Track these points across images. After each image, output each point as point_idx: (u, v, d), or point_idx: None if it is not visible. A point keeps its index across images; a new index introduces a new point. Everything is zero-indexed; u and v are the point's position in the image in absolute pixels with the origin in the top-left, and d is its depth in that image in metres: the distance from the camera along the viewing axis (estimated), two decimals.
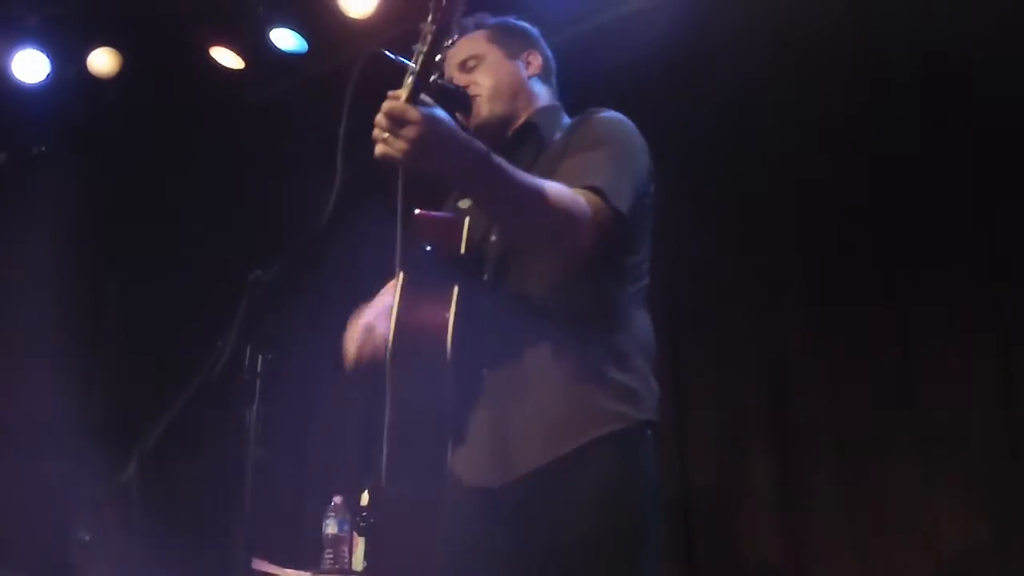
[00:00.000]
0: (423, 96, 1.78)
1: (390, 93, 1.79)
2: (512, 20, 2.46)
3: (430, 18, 1.73)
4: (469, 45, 2.36)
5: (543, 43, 2.48)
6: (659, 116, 3.83)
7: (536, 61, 2.40)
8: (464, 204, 2.29)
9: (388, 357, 1.95)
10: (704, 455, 3.70)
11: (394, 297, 2.01)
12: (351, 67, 2.02)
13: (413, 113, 1.74)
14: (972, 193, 3.31)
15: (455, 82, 2.32)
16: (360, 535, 3.61)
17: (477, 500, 2.08)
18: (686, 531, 3.62)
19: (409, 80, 1.78)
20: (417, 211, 2.14)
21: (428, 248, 2.05)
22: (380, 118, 1.76)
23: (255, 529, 1.95)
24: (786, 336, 3.64)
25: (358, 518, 3.67)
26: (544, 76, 2.41)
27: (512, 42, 2.40)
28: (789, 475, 3.51)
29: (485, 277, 2.12)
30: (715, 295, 3.79)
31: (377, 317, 2.19)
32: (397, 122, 1.74)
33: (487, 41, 2.38)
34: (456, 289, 2.00)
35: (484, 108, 2.30)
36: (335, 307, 2.67)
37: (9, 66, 4.59)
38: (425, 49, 1.75)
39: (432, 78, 2.21)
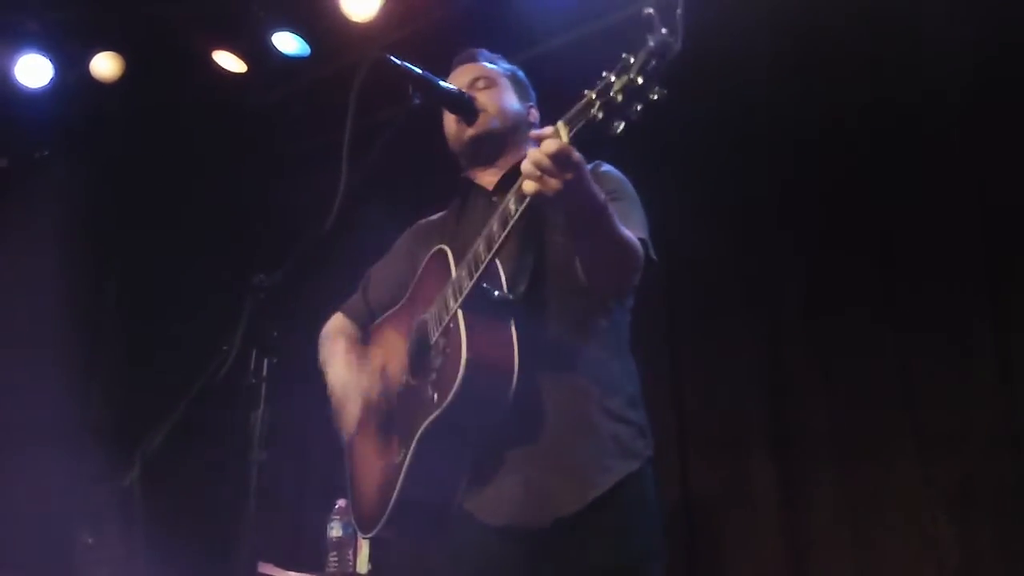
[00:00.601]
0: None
1: (544, 133, 1.80)
2: (521, 72, 2.56)
3: (635, 68, 1.66)
4: (483, 70, 2.44)
5: (538, 106, 2.58)
6: (663, 117, 3.87)
7: (535, 115, 2.50)
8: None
9: (456, 388, 2.00)
10: (704, 458, 3.70)
11: (458, 335, 2.05)
12: (354, 71, 2.03)
13: (577, 157, 1.80)
14: (977, 196, 3.31)
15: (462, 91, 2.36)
16: (364, 537, 3.61)
17: (509, 540, 2.12)
18: (688, 534, 3.62)
19: (568, 125, 1.78)
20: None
21: (485, 285, 2.08)
22: (542, 157, 1.78)
23: (259, 533, 1.95)
24: (786, 340, 3.63)
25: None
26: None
27: (521, 90, 2.50)
28: (790, 478, 3.51)
29: (523, 320, 2.16)
30: (715, 299, 3.80)
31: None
32: (562, 164, 1.78)
33: (502, 75, 2.47)
34: (514, 329, 2.07)
35: (491, 123, 2.35)
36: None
37: (12, 71, 4.61)
38: (618, 102, 1.69)
39: (439, 82, 2.25)
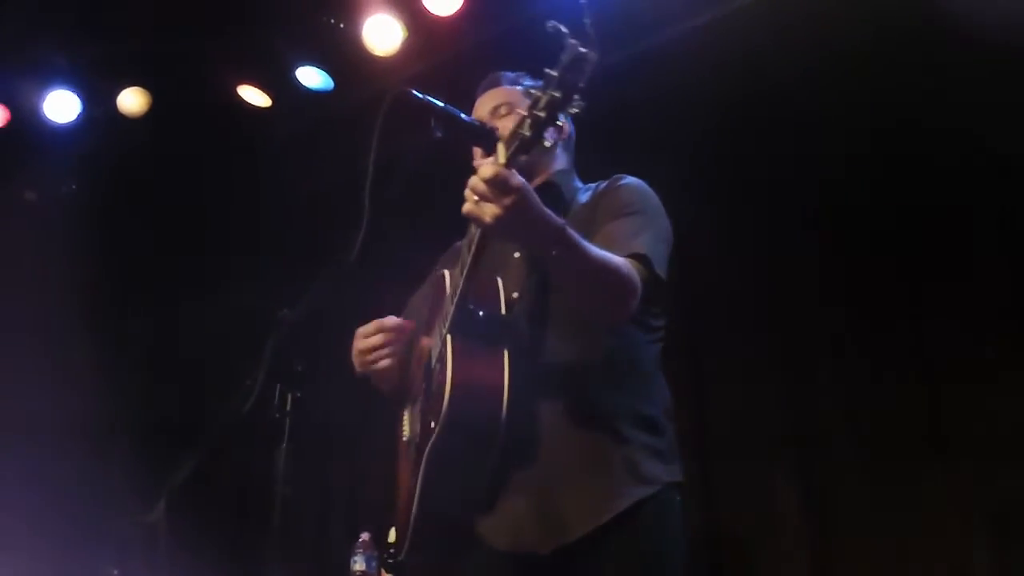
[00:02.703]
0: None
1: (486, 161, 1.77)
2: None
3: (554, 83, 1.67)
4: (504, 94, 2.40)
5: (570, 116, 2.52)
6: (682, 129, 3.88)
7: (565, 128, 2.43)
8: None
9: (441, 422, 1.97)
10: (729, 481, 3.67)
11: (445, 360, 2.01)
12: (377, 104, 2.04)
13: (516, 181, 1.74)
14: (1000, 200, 3.29)
15: (483, 122, 2.34)
16: (387, 571, 3.59)
17: (514, 566, 2.08)
18: (714, 556, 3.58)
19: (504, 147, 1.77)
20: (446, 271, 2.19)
21: (472, 307, 2.05)
22: (478, 182, 1.74)
23: (283, 566, 1.94)
24: (810, 360, 3.61)
25: (385, 555, 3.67)
26: (566, 144, 2.45)
27: None
28: (814, 499, 3.47)
29: (522, 341, 2.13)
30: (737, 321, 3.78)
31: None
32: (500, 189, 1.73)
33: (523, 96, 2.41)
34: (507, 353, 2.02)
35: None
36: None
37: (41, 106, 4.67)
38: (541, 116, 1.69)
39: (461, 115, 2.24)
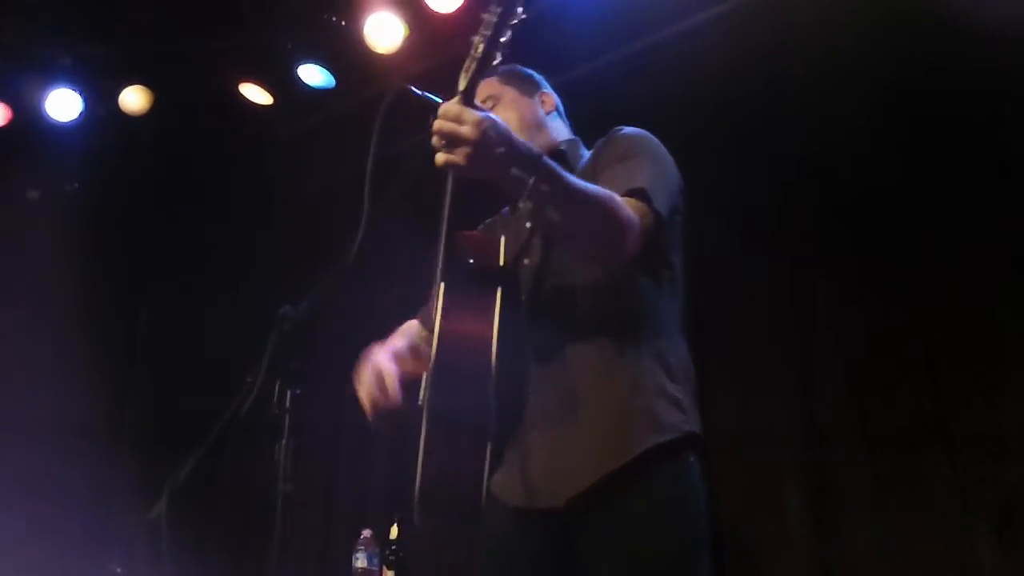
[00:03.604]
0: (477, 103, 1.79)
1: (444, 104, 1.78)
2: (519, 67, 2.50)
3: (492, 11, 1.75)
4: (489, 87, 2.39)
5: (551, 87, 2.53)
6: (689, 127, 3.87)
7: (549, 100, 2.46)
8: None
9: (430, 371, 1.93)
10: (733, 481, 3.66)
11: (435, 309, 1.98)
12: (378, 102, 2.04)
13: (470, 114, 1.73)
14: (1003, 201, 3.29)
15: None
16: (389, 568, 3.60)
17: (525, 520, 2.05)
18: (717, 555, 3.57)
19: (466, 76, 1.79)
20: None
21: (470, 261, 2.03)
22: (438, 123, 1.74)
23: (285, 563, 1.94)
24: (814, 359, 3.60)
25: (387, 551, 3.68)
26: (558, 114, 2.47)
27: (524, 83, 2.46)
28: (819, 498, 3.46)
29: (523, 295, 2.11)
30: (740, 319, 3.77)
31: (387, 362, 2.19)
32: (456, 121, 1.72)
33: (500, 83, 2.43)
34: (498, 301, 1.98)
35: None
36: (364, 340, 2.68)
37: (43, 105, 4.68)
38: (488, 34, 1.77)
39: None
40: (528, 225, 2.22)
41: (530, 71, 2.51)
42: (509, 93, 2.40)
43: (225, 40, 4.48)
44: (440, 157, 1.76)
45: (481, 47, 1.78)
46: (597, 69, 4.09)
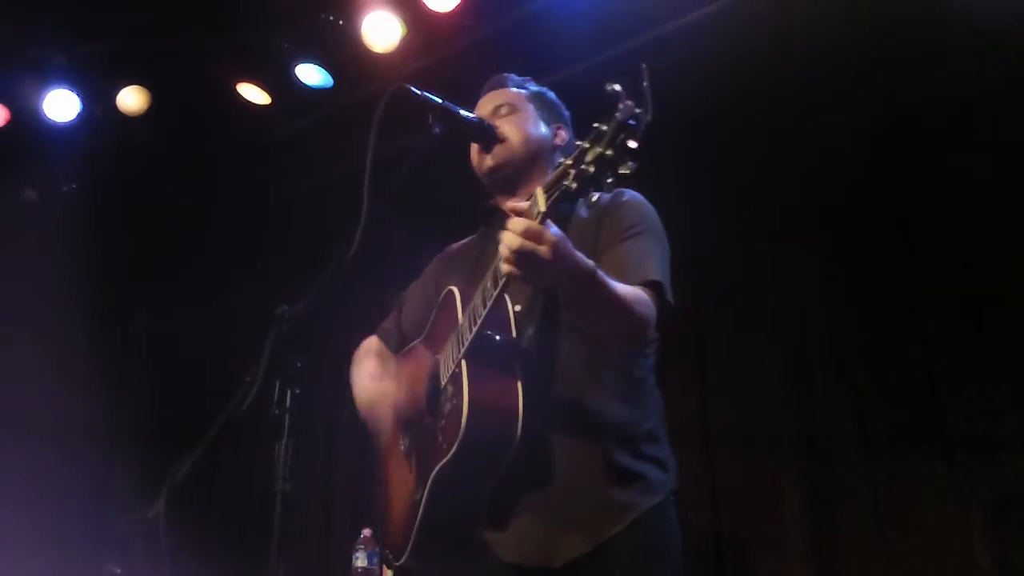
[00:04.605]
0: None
1: (519, 206, 1.81)
2: (550, 93, 2.54)
3: (605, 140, 1.65)
4: (508, 95, 2.43)
5: (570, 124, 2.55)
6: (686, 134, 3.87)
7: (563, 135, 2.48)
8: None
9: (457, 445, 2.01)
10: (732, 481, 3.66)
11: (461, 384, 2.04)
12: (376, 102, 2.04)
13: (550, 235, 1.77)
14: (1001, 201, 3.29)
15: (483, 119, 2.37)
16: (389, 568, 3.59)
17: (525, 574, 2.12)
18: (716, 560, 3.58)
19: (546, 194, 1.78)
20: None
21: (488, 332, 2.07)
22: (515, 240, 1.77)
23: (285, 563, 1.94)
24: (813, 360, 3.60)
25: (387, 551, 3.67)
26: (565, 151, 2.45)
27: (547, 111, 2.48)
28: (818, 499, 3.46)
29: (532, 363, 2.14)
30: (740, 320, 3.78)
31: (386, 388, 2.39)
32: (536, 241, 1.76)
33: (526, 100, 2.46)
34: (520, 380, 2.05)
35: (509, 152, 2.36)
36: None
37: (41, 106, 4.67)
38: (589, 171, 1.68)
39: (459, 111, 2.25)
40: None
41: (557, 101, 2.54)
42: (528, 111, 2.43)
43: (222, 40, 4.48)
44: (506, 268, 1.81)
45: (573, 176, 1.70)
46: (594, 67, 4.09)
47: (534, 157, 2.38)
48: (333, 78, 4.59)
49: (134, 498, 4.78)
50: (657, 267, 2.14)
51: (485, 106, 2.44)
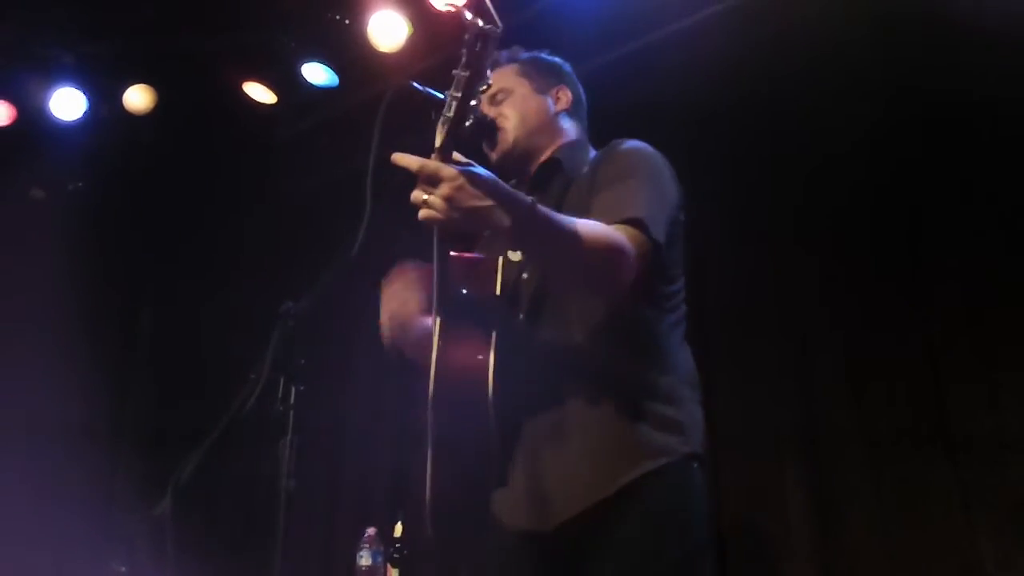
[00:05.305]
0: (456, 155, 1.79)
1: (399, 158, 1.76)
2: (544, 55, 2.48)
3: (463, 64, 1.71)
4: (499, 79, 2.37)
5: (574, 79, 2.49)
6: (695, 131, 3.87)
7: (566, 96, 2.42)
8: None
9: (429, 402, 1.97)
10: (735, 482, 3.66)
11: (432, 341, 2.01)
12: (382, 101, 2.04)
13: (447, 171, 1.70)
14: (1004, 201, 3.29)
15: (483, 113, 2.32)
16: (394, 566, 3.59)
17: (524, 543, 2.07)
18: (720, 555, 3.57)
19: (442, 132, 1.77)
20: (451, 253, 2.14)
21: (464, 292, 2.04)
22: (418, 183, 1.73)
23: (289, 561, 1.94)
24: (817, 359, 3.60)
25: (391, 549, 3.68)
26: (573, 111, 2.43)
27: (542, 77, 2.42)
28: (822, 498, 3.46)
29: (521, 317, 2.11)
30: (743, 320, 3.77)
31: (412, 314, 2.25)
32: (430, 182, 1.70)
33: (517, 75, 2.40)
34: (494, 333, 1.99)
35: (509, 140, 2.32)
36: (366, 337, 2.69)
37: (47, 104, 4.69)
38: (459, 96, 1.73)
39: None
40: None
41: (556, 61, 2.48)
42: (522, 88, 2.38)
43: (229, 39, 4.49)
44: (421, 213, 1.73)
45: (454, 106, 1.75)
46: (597, 68, 4.09)
47: (536, 133, 2.33)
48: (339, 77, 4.59)
49: (138, 496, 4.79)
50: (642, 204, 1.99)
51: (485, 96, 2.38)
